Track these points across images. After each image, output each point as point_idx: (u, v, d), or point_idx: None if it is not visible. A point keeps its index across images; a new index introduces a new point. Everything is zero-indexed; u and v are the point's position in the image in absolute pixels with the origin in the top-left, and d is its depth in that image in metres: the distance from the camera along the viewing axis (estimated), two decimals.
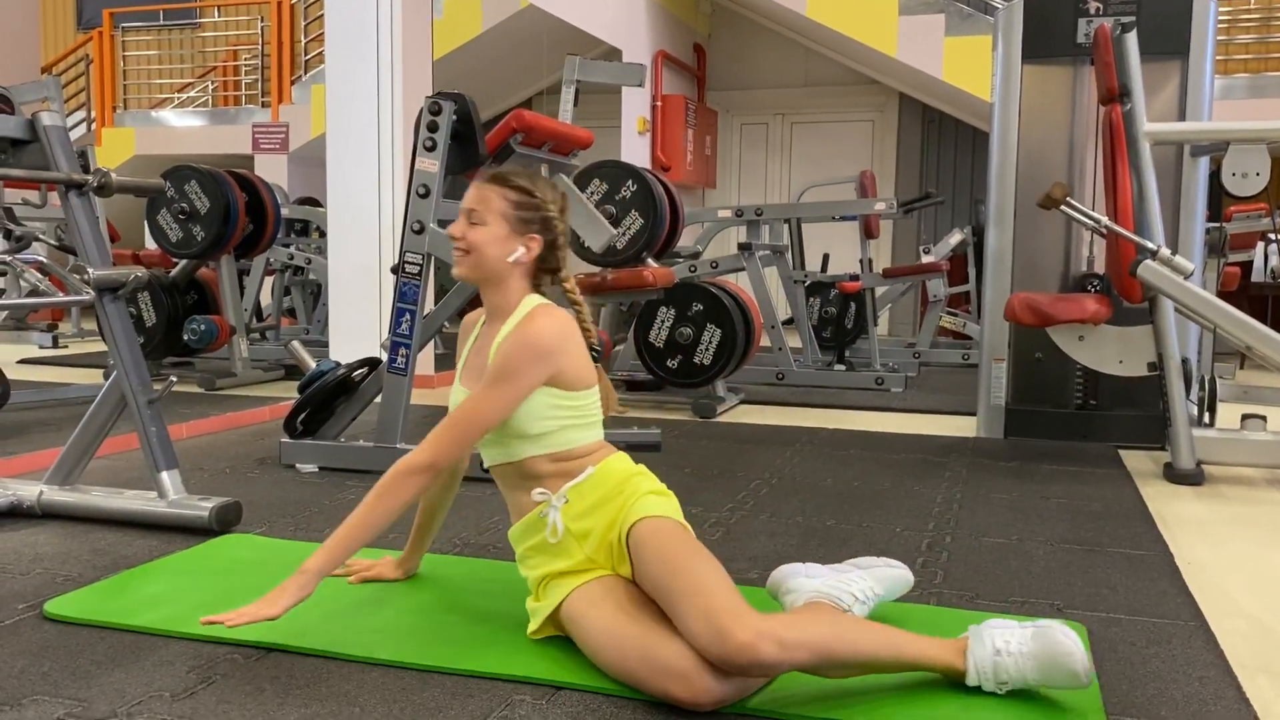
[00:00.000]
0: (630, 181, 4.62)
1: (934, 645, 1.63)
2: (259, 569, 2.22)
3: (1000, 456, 3.67)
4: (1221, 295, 6.04)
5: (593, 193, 4.62)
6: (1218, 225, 5.47)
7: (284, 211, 6.29)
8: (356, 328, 5.04)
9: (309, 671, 1.72)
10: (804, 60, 9.43)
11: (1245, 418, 3.36)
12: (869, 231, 5.81)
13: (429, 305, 3.58)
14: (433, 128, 3.10)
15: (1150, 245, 3.16)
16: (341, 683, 1.68)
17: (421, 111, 3.12)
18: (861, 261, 5.85)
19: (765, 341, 5.51)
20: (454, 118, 3.13)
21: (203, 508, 2.52)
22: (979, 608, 2.08)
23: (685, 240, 6.24)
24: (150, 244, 5.65)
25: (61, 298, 2.50)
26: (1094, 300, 3.36)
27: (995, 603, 2.11)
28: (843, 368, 5.70)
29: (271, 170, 8.74)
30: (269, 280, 6.86)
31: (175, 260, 5.50)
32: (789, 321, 6.23)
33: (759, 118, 9.83)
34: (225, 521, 2.53)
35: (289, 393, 5.03)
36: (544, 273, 1.95)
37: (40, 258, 2.46)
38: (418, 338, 3.17)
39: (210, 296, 5.65)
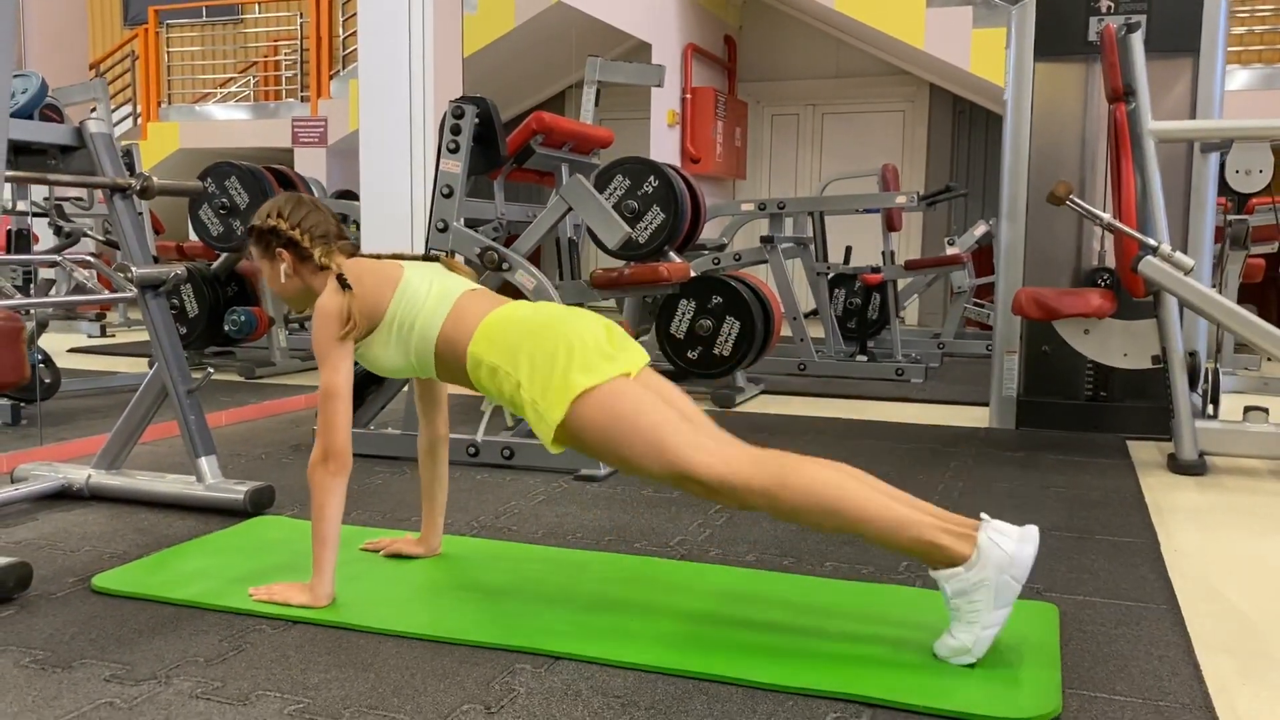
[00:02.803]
0: (652, 177, 4.74)
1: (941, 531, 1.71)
2: (288, 547, 2.38)
3: (1008, 446, 3.77)
4: (1245, 287, 6.09)
5: (615, 188, 4.74)
6: (1241, 218, 5.50)
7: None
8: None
9: (331, 641, 1.88)
10: (835, 51, 9.49)
11: (1248, 410, 3.43)
12: (891, 224, 5.89)
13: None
14: (456, 130, 3.25)
15: (1151, 242, 3.24)
16: (359, 652, 1.84)
17: (445, 115, 3.27)
18: (884, 254, 5.94)
19: (787, 332, 5.62)
20: (476, 120, 3.28)
21: (238, 491, 2.69)
22: None
23: (712, 233, 6.37)
24: (194, 236, 5.87)
25: (107, 295, 2.66)
26: (1098, 295, 3.44)
27: None
28: (865, 358, 5.79)
29: (311, 163, 8.96)
30: None
31: (218, 253, 5.71)
32: (813, 313, 6.32)
33: (790, 109, 9.90)
34: (259, 504, 2.70)
35: None
36: (321, 258, 2.09)
37: (88, 255, 2.63)
38: None
39: (250, 288, 5.85)
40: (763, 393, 5.07)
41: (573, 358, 1.87)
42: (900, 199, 5.50)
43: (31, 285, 3.79)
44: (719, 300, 4.69)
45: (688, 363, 4.76)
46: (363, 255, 2.17)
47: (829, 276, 6.11)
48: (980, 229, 6.73)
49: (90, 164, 2.76)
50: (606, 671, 1.76)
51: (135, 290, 2.66)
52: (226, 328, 5.54)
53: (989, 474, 3.30)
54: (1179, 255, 3.20)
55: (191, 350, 5.72)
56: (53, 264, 2.90)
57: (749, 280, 4.89)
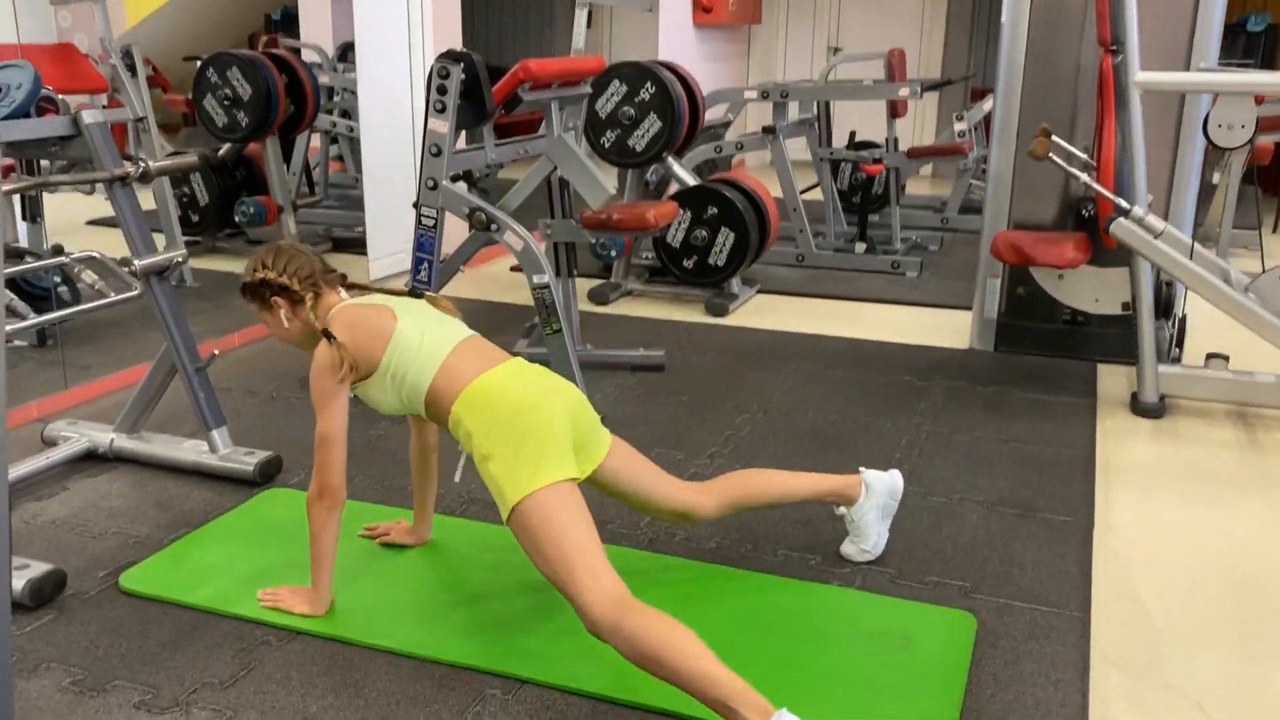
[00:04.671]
0: (648, 84, 4.74)
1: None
2: (293, 529, 2.62)
3: (981, 379, 3.93)
4: (1260, 170, 6.06)
5: (612, 95, 4.76)
6: None
7: (323, 80, 6.48)
8: (390, 219, 5.30)
9: (327, 658, 2.15)
10: None
11: (1209, 356, 3.57)
12: (894, 111, 5.85)
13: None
14: (442, 90, 3.30)
15: (1124, 204, 3.30)
16: (352, 671, 2.11)
17: (430, 74, 3.30)
18: (886, 141, 5.92)
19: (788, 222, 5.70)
20: (462, 77, 3.31)
21: (248, 463, 2.94)
22: (894, 591, 2.43)
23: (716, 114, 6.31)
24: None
25: (114, 297, 2.82)
26: (1072, 247, 3.53)
27: (910, 585, 2.45)
28: (864, 246, 5.87)
29: (316, 12, 8.77)
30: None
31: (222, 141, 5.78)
32: (814, 186, 6.35)
33: None
34: (267, 475, 2.95)
35: (340, 267, 5.39)
36: (312, 300, 2.29)
37: (93, 253, 2.76)
38: (435, 282, 3.47)
39: (258, 173, 5.95)
40: (758, 293, 5.21)
41: (541, 453, 2.04)
42: (903, 91, 5.45)
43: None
44: (714, 211, 4.77)
45: (683, 271, 4.89)
46: (352, 299, 2.31)
47: (832, 160, 6.12)
48: (989, 103, 6.62)
49: (87, 150, 2.86)
50: (565, 700, 2.03)
51: (140, 281, 2.82)
52: (237, 218, 5.69)
53: (954, 421, 3.49)
54: (1151, 218, 3.27)
55: (204, 236, 5.88)
56: (59, 267, 3.04)
57: (746, 184, 4.95)
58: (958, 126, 6.46)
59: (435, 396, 2.19)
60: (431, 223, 3.40)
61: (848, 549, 2.56)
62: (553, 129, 3.63)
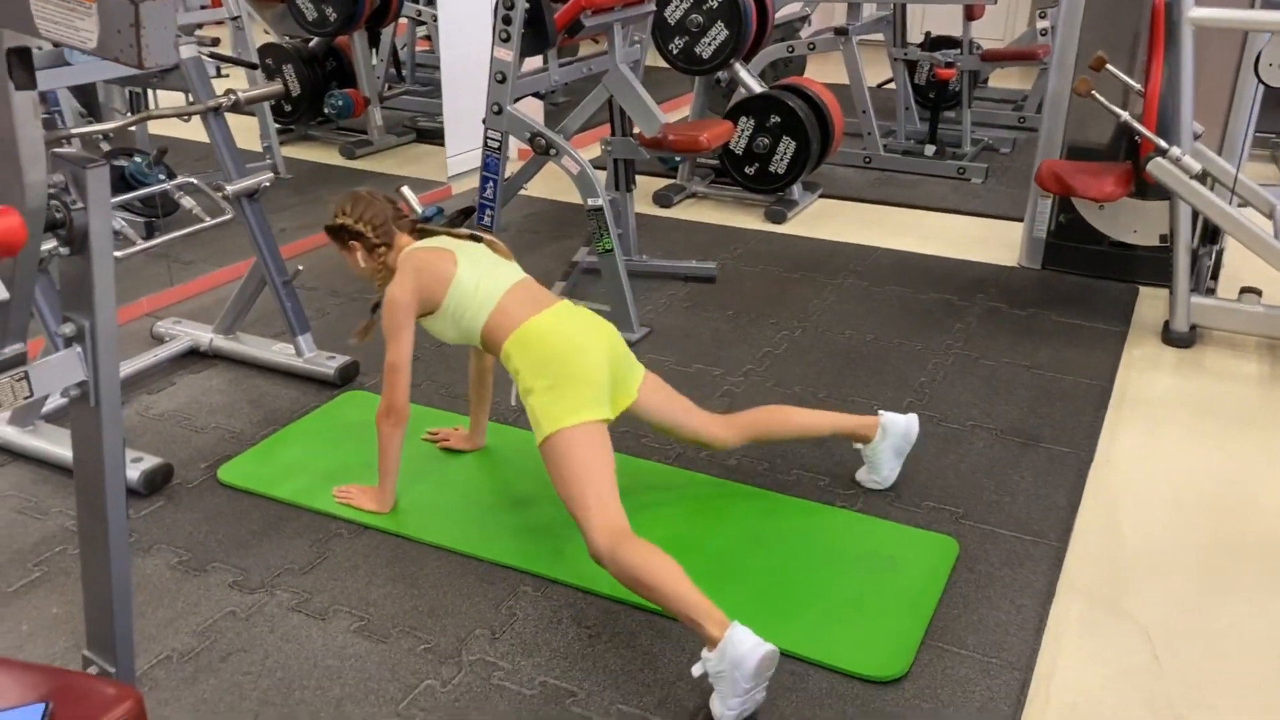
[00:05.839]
0: None
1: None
2: (367, 431, 2.98)
3: (1020, 300, 4.08)
4: None
5: (677, 5, 4.85)
6: None
7: None
8: (468, 116, 5.52)
9: (389, 551, 2.53)
10: None
11: (1243, 290, 3.66)
12: (970, 13, 5.79)
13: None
14: (507, 20, 3.49)
15: (1163, 144, 3.37)
16: (409, 564, 2.49)
17: (496, 4, 3.49)
18: (961, 43, 5.88)
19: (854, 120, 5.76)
20: (526, 6, 3.50)
21: (329, 366, 3.30)
22: (890, 514, 2.70)
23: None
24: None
25: (210, 221, 3.14)
26: (1113, 181, 3.61)
27: (906, 509, 2.72)
28: (933, 149, 5.92)
29: None
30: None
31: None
32: (887, 82, 6.34)
33: None
34: (346, 378, 3.32)
35: (420, 159, 5.71)
36: (384, 247, 2.61)
37: (191, 179, 3.06)
38: (499, 200, 3.74)
39: (347, 65, 6.20)
40: (820, 197, 5.35)
41: (577, 397, 2.32)
42: None
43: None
44: (777, 120, 4.89)
45: (744, 177, 5.05)
46: (419, 242, 2.60)
47: (906, 61, 6.11)
48: None
49: (184, 81, 3.16)
50: (585, 599, 2.37)
51: (232, 204, 3.14)
52: (326, 110, 5.98)
53: (983, 345, 3.67)
54: (1187, 159, 3.34)
55: (297, 125, 6.20)
56: (164, 193, 3.36)
57: (812, 91, 5.04)
58: (1040, 25, 6.36)
59: (489, 334, 2.49)
60: (496, 144, 3.64)
61: (861, 475, 2.82)
62: (615, 52, 3.80)
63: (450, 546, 2.54)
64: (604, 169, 4.09)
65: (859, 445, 2.78)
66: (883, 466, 2.77)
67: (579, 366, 2.37)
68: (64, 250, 1.56)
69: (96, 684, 1.22)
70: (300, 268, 3.35)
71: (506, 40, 3.51)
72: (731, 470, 2.90)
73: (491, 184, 3.71)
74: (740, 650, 1.94)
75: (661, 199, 5.18)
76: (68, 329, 1.60)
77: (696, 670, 2.01)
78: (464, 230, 2.70)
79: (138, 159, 4.32)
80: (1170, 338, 3.72)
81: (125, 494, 1.80)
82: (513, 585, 2.42)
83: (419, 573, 2.46)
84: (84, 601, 1.91)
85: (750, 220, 5.00)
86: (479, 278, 2.52)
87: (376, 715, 2.03)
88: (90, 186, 1.50)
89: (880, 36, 6.14)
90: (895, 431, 2.74)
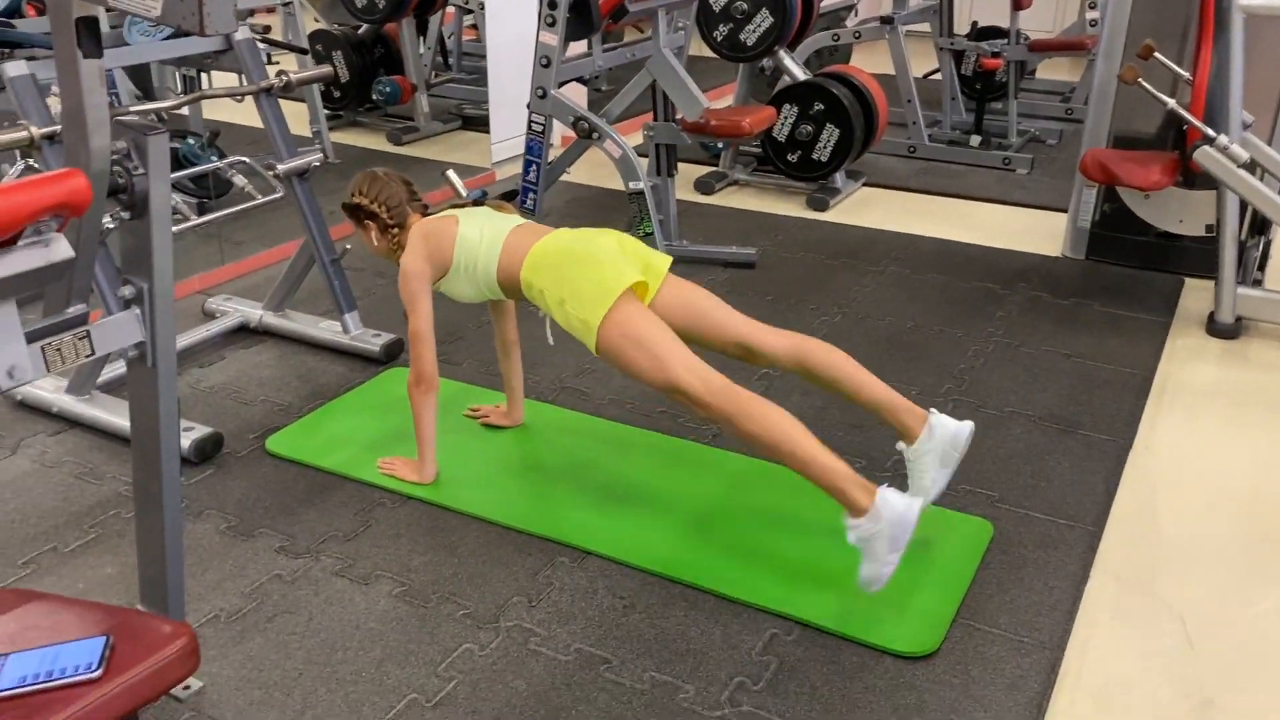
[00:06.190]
0: None
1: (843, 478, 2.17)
2: (410, 408, 3.06)
3: (1063, 290, 4.06)
4: None
5: None
6: None
7: None
8: (513, 103, 5.58)
9: (430, 520, 2.59)
10: None
11: None
12: (1018, 3, 5.75)
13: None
14: (552, 4, 3.54)
15: (1210, 132, 3.34)
16: (449, 534, 2.54)
17: None
18: (1008, 33, 5.84)
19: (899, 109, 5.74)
20: None
21: (374, 344, 3.37)
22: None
23: None
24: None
25: (261, 199, 3.22)
26: (1159, 170, 3.58)
27: (943, 492, 2.73)
28: (979, 139, 5.89)
29: None
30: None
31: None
32: (933, 73, 6.31)
33: None
34: (390, 355, 3.38)
35: (465, 145, 5.77)
36: (396, 227, 2.70)
37: (243, 158, 3.15)
38: (542, 183, 3.79)
39: (395, 51, 6.28)
40: (863, 185, 5.35)
41: (600, 273, 2.38)
42: None
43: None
44: (821, 107, 4.90)
45: (787, 165, 5.06)
46: (429, 215, 2.67)
47: (952, 51, 6.08)
48: None
49: (237, 62, 3.24)
50: (621, 571, 2.41)
51: (282, 182, 3.22)
52: (374, 96, 6.07)
53: (1024, 333, 3.67)
54: (1234, 148, 3.31)
55: (346, 110, 6.30)
56: (217, 176, 3.45)
57: (857, 79, 5.04)
58: (1089, 15, 6.29)
59: (505, 273, 2.56)
60: (540, 128, 3.70)
61: (909, 492, 2.41)
62: (658, 37, 3.83)
63: (489, 517, 2.59)
64: (646, 157, 4.12)
65: (901, 445, 2.50)
66: (924, 474, 2.46)
67: (594, 251, 2.43)
68: (125, 215, 1.62)
69: (153, 621, 1.28)
70: (348, 246, 3.42)
71: (552, 25, 3.56)
72: None
73: (534, 167, 3.76)
74: (898, 509, 2.12)
75: (703, 186, 5.21)
76: (127, 291, 1.67)
77: (851, 539, 2.16)
78: (468, 200, 2.76)
79: (191, 141, 4.42)
80: (1215, 329, 3.69)
81: (179, 453, 1.87)
82: (550, 556, 2.47)
83: (459, 542, 2.51)
84: (138, 557, 1.98)
85: (792, 208, 5.01)
86: (481, 228, 2.60)
87: (416, 676, 2.09)
88: (151, 153, 1.56)
89: (926, 27, 6.12)
90: (943, 435, 2.44)
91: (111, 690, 1.18)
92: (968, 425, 2.48)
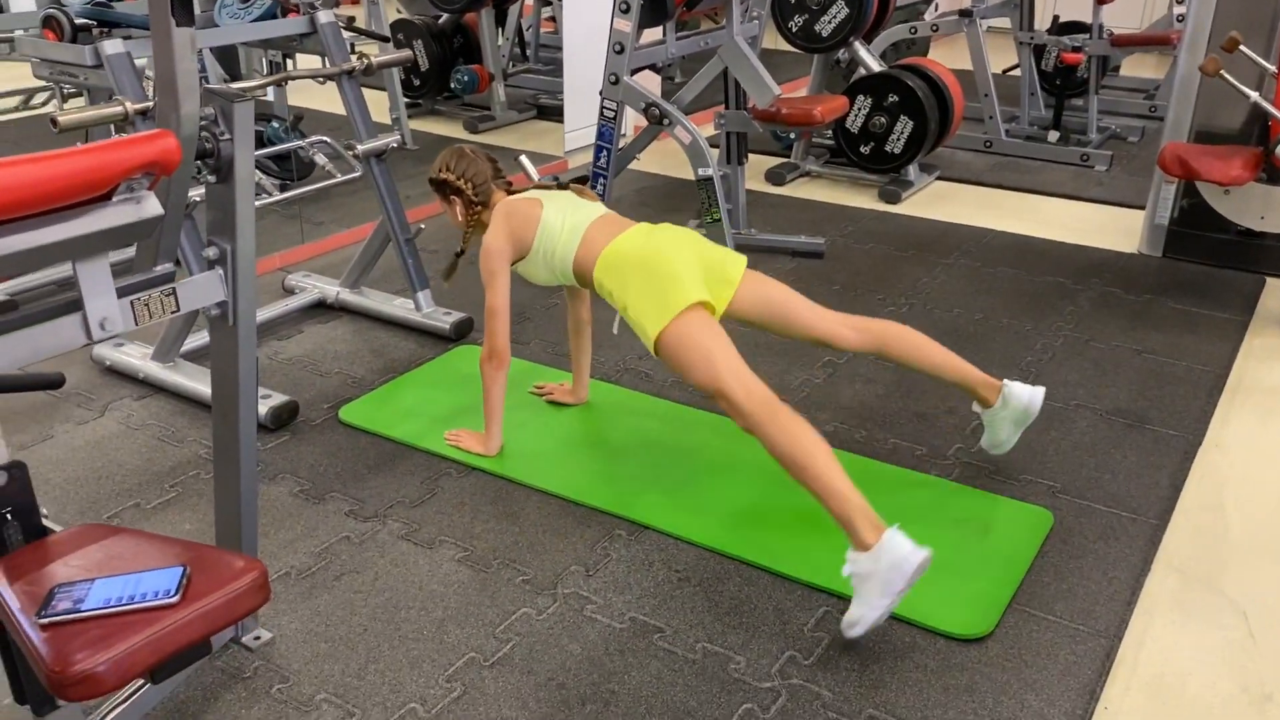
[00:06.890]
0: None
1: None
2: (477, 382, 3.12)
3: (1136, 286, 4.00)
4: None
5: None
6: None
7: None
8: (588, 92, 5.64)
9: (493, 491, 2.66)
10: None
11: None
12: None
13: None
14: None
15: None
16: (511, 504, 2.61)
17: None
18: (1090, 28, 5.75)
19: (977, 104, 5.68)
20: None
21: (445, 321, 3.46)
22: (987, 485, 2.71)
23: None
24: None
25: (340, 178, 3.32)
26: (1240, 164, 3.51)
27: (1004, 481, 2.73)
28: (1057, 135, 5.80)
29: None
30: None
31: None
32: (1013, 68, 6.23)
33: None
34: (460, 333, 3.46)
35: (539, 134, 5.85)
36: (480, 204, 2.75)
37: (324, 138, 3.25)
38: (612, 169, 3.84)
39: (473, 41, 6.39)
40: (937, 179, 5.31)
41: (667, 288, 2.41)
42: None
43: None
44: (895, 99, 4.88)
45: (860, 156, 5.05)
46: (515, 193, 2.73)
47: (1032, 45, 6.00)
48: None
49: (320, 46, 3.35)
50: (677, 545, 2.46)
51: (361, 163, 3.32)
52: (452, 84, 6.19)
53: (1095, 328, 3.62)
54: None
55: (425, 99, 6.43)
56: (299, 159, 3.57)
57: (932, 72, 5.00)
58: (1177, 10, 6.16)
59: (581, 266, 2.61)
60: (612, 114, 3.75)
61: (984, 441, 2.78)
62: (732, 24, 3.86)
63: (550, 490, 2.65)
64: (717, 148, 4.15)
65: (978, 408, 2.73)
66: (999, 432, 2.72)
67: (664, 264, 2.45)
68: (211, 179, 1.71)
69: (227, 555, 1.35)
70: (422, 226, 3.51)
71: (626, 11, 3.60)
72: (828, 436, 2.93)
73: (605, 153, 3.81)
74: (899, 553, 2.05)
75: (774, 176, 5.22)
76: (211, 252, 1.75)
77: (846, 571, 2.12)
78: (553, 184, 2.81)
79: (275, 124, 4.57)
80: None
81: (256, 407, 1.95)
82: (608, 529, 2.52)
83: (520, 512, 2.57)
84: (215, 510, 2.07)
85: (863, 200, 5.00)
86: (564, 216, 2.65)
87: (474, 636, 2.16)
88: (236, 119, 1.64)
89: (1006, 21, 6.04)
90: (1016, 404, 2.65)
91: (187, 615, 1.25)
92: (1040, 391, 2.67)
